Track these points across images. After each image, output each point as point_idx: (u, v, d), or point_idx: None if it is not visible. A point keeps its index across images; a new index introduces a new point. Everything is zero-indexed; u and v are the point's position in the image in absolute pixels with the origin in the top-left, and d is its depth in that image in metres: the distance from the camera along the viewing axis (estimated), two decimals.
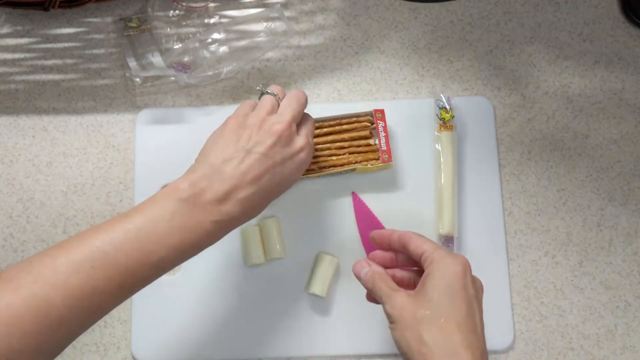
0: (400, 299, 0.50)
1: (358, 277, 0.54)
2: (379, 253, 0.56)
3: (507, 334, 0.64)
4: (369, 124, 0.66)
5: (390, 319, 0.50)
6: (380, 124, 0.65)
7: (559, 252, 0.66)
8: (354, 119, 0.66)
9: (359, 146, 0.65)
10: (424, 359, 0.47)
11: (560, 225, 0.67)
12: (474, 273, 0.51)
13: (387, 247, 0.56)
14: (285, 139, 0.54)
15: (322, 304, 0.64)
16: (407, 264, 0.56)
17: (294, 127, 0.55)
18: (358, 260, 0.55)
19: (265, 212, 0.66)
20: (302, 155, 0.55)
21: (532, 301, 0.65)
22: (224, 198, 0.51)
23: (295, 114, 0.56)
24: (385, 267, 0.55)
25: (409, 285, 0.54)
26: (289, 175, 0.54)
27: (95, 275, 0.46)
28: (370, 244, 0.66)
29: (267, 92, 0.57)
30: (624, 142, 0.69)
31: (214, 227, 0.51)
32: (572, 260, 0.66)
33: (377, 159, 0.65)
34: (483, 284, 0.52)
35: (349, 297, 0.64)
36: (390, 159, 0.64)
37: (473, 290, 0.50)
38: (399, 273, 0.55)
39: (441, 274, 0.50)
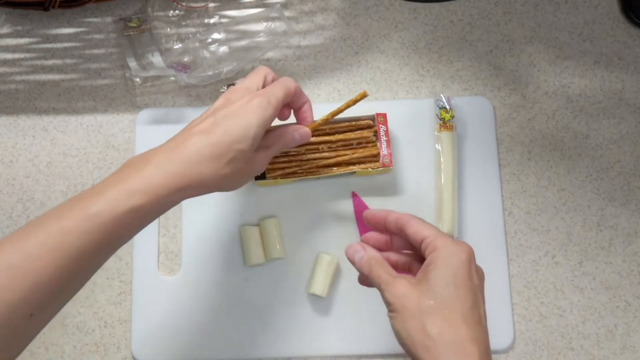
0: (402, 288, 0.47)
1: (352, 262, 0.52)
2: (373, 235, 0.54)
3: (507, 334, 0.64)
4: (371, 123, 0.66)
5: (390, 308, 0.48)
6: (382, 128, 0.65)
7: (559, 252, 0.66)
8: (354, 122, 0.66)
9: (360, 148, 0.65)
10: (427, 352, 0.45)
11: (560, 225, 0.67)
12: None
13: (382, 229, 0.53)
14: (239, 92, 0.52)
15: (322, 304, 0.64)
16: (402, 248, 0.53)
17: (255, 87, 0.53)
18: (351, 244, 0.52)
19: (265, 212, 0.67)
20: (256, 101, 0.51)
21: (532, 301, 0.65)
22: (171, 153, 0.49)
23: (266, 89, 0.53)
24: (379, 250, 0.52)
25: (404, 269, 0.52)
26: (243, 113, 0.50)
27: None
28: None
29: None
30: (624, 142, 0.69)
31: (156, 174, 0.47)
32: (572, 260, 0.66)
33: (378, 162, 0.65)
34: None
35: (349, 297, 0.64)
36: (390, 163, 0.64)
37: (477, 280, 0.48)
38: (394, 256, 0.53)
39: (445, 262, 0.47)
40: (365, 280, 0.52)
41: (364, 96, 0.57)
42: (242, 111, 0.50)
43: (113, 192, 0.46)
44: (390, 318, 0.48)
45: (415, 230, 0.50)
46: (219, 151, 0.49)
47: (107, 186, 0.46)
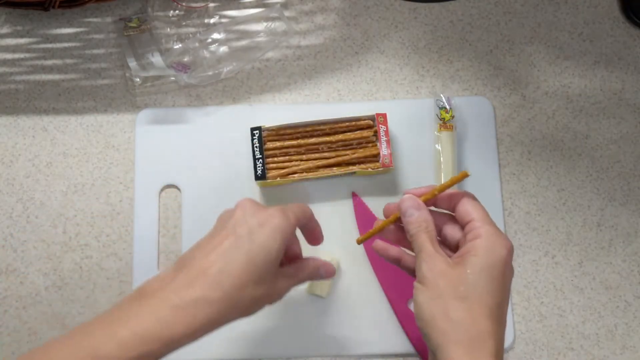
0: (441, 265, 0.46)
1: (402, 214, 0.49)
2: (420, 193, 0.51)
3: (507, 334, 0.63)
4: (371, 123, 0.66)
5: (421, 280, 0.46)
6: (382, 128, 0.65)
7: (559, 252, 0.66)
8: (354, 122, 0.66)
9: (360, 148, 0.65)
10: (443, 335, 0.44)
11: (560, 225, 0.67)
12: None
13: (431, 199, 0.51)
14: (249, 208, 0.49)
15: (322, 304, 0.64)
16: (442, 223, 0.51)
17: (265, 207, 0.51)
18: (410, 195, 0.50)
19: None
20: (273, 220, 0.48)
21: (532, 301, 0.65)
22: (185, 281, 0.45)
23: (285, 209, 0.50)
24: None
25: (450, 246, 0.50)
26: (261, 243, 0.47)
27: None
28: (370, 244, 0.66)
29: None
30: (624, 142, 0.69)
31: (173, 314, 0.43)
32: (572, 260, 0.66)
33: (378, 162, 0.65)
34: None
35: (349, 297, 0.64)
36: (390, 163, 0.64)
37: (509, 279, 0.47)
38: (450, 230, 0.50)
39: (485, 253, 0.46)
40: (386, 249, 0.52)
41: (465, 176, 0.51)
42: (264, 233, 0.47)
43: (124, 333, 0.42)
44: (416, 289, 0.47)
45: (464, 210, 0.49)
46: (242, 281, 0.46)
47: (120, 321, 0.43)
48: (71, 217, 0.67)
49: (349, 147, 0.66)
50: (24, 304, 0.65)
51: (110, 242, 0.67)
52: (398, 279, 0.64)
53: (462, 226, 0.49)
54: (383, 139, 0.65)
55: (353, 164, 0.65)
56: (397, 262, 0.53)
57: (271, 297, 0.50)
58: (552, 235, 0.67)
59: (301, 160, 0.65)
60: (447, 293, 0.45)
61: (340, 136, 0.65)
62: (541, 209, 0.67)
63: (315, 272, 0.54)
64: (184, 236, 0.66)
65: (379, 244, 0.53)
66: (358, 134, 0.65)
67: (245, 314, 0.48)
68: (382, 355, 0.64)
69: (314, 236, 0.57)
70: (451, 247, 0.51)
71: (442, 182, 0.66)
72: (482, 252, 0.46)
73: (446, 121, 0.67)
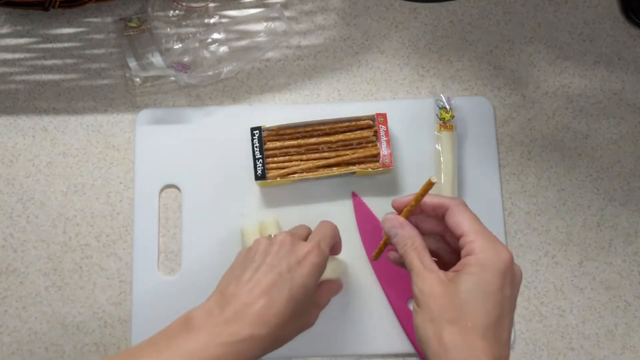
0: (430, 285, 0.45)
1: (388, 236, 0.50)
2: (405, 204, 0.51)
3: None
4: (371, 123, 0.66)
5: (415, 301, 0.46)
6: (382, 128, 0.65)
7: (559, 252, 0.66)
8: (354, 122, 0.66)
9: (360, 148, 0.65)
10: (437, 358, 0.43)
11: (560, 225, 0.67)
12: None
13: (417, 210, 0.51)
14: (288, 245, 0.52)
15: None
16: (432, 229, 0.51)
17: (299, 237, 0.54)
18: (390, 217, 0.49)
19: (266, 212, 0.67)
20: (311, 258, 0.51)
21: (532, 301, 0.65)
22: (232, 317, 0.48)
23: (311, 234, 0.55)
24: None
25: (444, 259, 0.50)
26: (301, 282, 0.50)
27: None
28: (370, 244, 0.66)
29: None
30: (624, 142, 0.69)
31: (223, 350, 0.47)
32: (572, 260, 0.66)
33: (378, 162, 0.65)
34: None
35: (349, 297, 0.64)
36: (390, 163, 0.64)
37: (509, 291, 0.45)
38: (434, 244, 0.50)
39: (480, 270, 0.44)
40: (397, 258, 0.51)
41: (430, 184, 0.49)
42: (308, 279, 0.51)
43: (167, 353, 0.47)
44: (413, 312, 0.46)
45: (456, 222, 0.47)
46: (279, 318, 0.49)
47: (169, 351, 0.47)
48: (71, 217, 0.67)
49: (349, 147, 0.66)
50: (24, 304, 0.65)
51: (110, 242, 0.67)
52: (398, 279, 0.64)
53: (455, 238, 0.48)
54: (383, 139, 0.65)
55: (353, 164, 0.65)
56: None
57: (305, 326, 0.54)
58: (552, 235, 0.67)
59: (301, 160, 0.65)
60: (439, 316, 0.44)
61: (340, 136, 0.65)
62: (541, 209, 0.67)
63: (336, 292, 0.60)
64: (184, 236, 0.66)
65: (392, 255, 0.54)
66: (358, 134, 0.65)
67: (281, 345, 0.52)
68: (382, 355, 0.64)
69: (334, 250, 0.59)
70: (445, 260, 0.50)
71: (442, 183, 0.66)
72: (475, 270, 0.45)
73: (446, 121, 0.67)
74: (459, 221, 0.47)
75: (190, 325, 0.49)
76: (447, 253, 0.52)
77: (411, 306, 0.64)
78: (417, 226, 0.51)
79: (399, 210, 0.51)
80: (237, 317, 0.48)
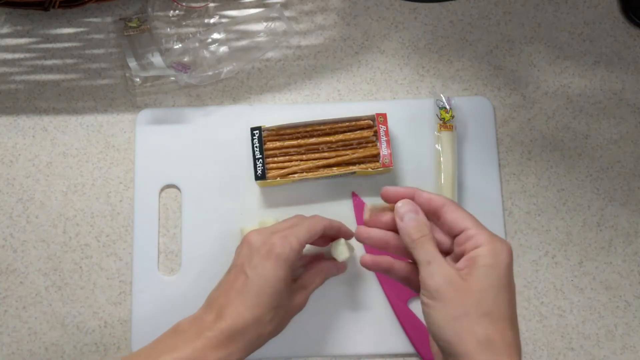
0: (454, 277, 0.44)
1: (400, 218, 0.47)
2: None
3: None
4: (371, 123, 0.66)
5: (435, 295, 0.44)
6: (382, 128, 0.65)
7: (559, 252, 0.66)
8: (354, 122, 0.66)
9: (360, 148, 0.65)
10: (471, 355, 0.42)
11: (560, 225, 0.67)
12: None
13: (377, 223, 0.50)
14: (255, 242, 0.55)
15: (322, 304, 0.64)
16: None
17: (270, 231, 0.56)
18: (407, 201, 0.48)
19: (266, 212, 0.67)
20: (275, 249, 0.53)
21: (532, 301, 0.65)
22: (213, 322, 0.52)
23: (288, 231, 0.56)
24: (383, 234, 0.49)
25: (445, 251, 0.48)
26: (266, 276, 0.52)
27: None
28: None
29: None
30: (624, 142, 0.69)
31: (206, 344, 0.51)
32: (572, 260, 0.66)
33: (378, 162, 0.65)
34: None
35: (349, 297, 0.64)
36: (390, 163, 0.64)
37: (512, 282, 0.45)
38: (439, 235, 0.48)
39: (493, 261, 0.44)
40: (375, 262, 0.50)
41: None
42: (266, 268, 0.53)
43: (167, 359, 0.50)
44: (429, 306, 0.44)
45: (455, 218, 0.46)
46: (256, 316, 0.52)
47: (161, 352, 0.51)
48: (71, 217, 0.67)
49: (349, 147, 0.66)
50: (24, 304, 0.65)
51: (110, 242, 0.67)
52: None
53: (452, 235, 0.47)
54: (383, 139, 0.65)
55: (353, 164, 0.65)
56: (387, 272, 0.51)
57: (292, 311, 0.56)
58: (552, 235, 0.67)
59: (301, 160, 0.65)
60: (472, 310, 0.42)
61: (340, 136, 0.65)
62: (541, 209, 0.67)
63: (329, 273, 0.60)
64: (184, 236, 0.66)
65: (366, 260, 0.51)
66: (358, 134, 0.65)
67: (273, 334, 0.54)
68: (382, 355, 0.64)
69: (344, 235, 0.60)
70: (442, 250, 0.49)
71: (442, 183, 0.66)
72: (490, 262, 0.44)
73: (446, 121, 0.67)
74: (459, 217, 0.46)
75: (179, 330, 0.53)
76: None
77: (412, 307, 0.64)
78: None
79: (392, 200, 0.49)
80: (218, 316, 0.52)
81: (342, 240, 0.60)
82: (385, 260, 0.50)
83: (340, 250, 0.60)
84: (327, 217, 0.59)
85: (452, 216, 0.47)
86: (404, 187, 0.50)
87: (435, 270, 0.44)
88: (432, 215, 0.48)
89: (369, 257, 0.51)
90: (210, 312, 0.53)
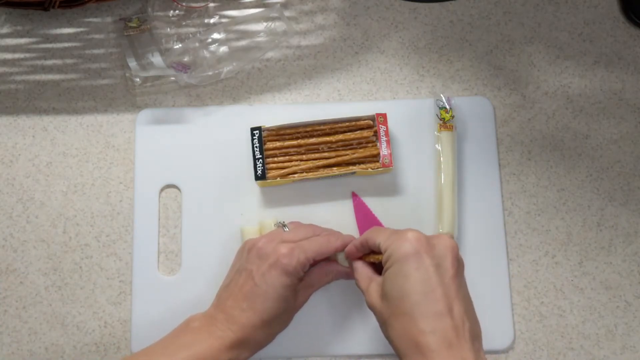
0: (371, 297, 0.50)
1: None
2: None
3: (507, 334, 0.64)
4: (371, 123, 0.66)
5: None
6: (382, 128, 0.65)
7: (559, 252, 0.66)
8: (354, 122, 0.66)
9: (360, 148, 0.65)
10: (398, 355, 0.46)
11: (560, 225, 0.67)
12: (472, 273, 0.49)
13: (361, 256, 0.57)
14: (264, 248, 0.56)
15: (322, 304, 0.64)
16: None
17: (279, 241, 0.57)
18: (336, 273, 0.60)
19: (266, 212, 0.67)
20: (284, 262, 0.55)
21: (532, 301, 0.65)
22: (226, 319, 0.55)
23: (292, 236, 0.58)
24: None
25: None
26: (272, 284, 0.54)
27: None
28: None
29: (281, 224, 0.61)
30: (624, 142, 0.69)
31: (219, 343, 0.54)
32: (572, 260, 0.66)
33: (378, 162, 0.65)
34: (482, 282, 0.50)
35: (349, 297, 0.64)
36: (390, 163, 0.64)
37: (430, 264, 0.46)
38: None
39: (392, 260, 0.48)
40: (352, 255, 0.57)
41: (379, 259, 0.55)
42: (273, 277, 0.55)
43: (183, 355, 0.52)
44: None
45: (372, 242, 0.52)
46: (265, 321, 0.55)
47: (179, 348, 0.53)
48: (71, 217, 0.67)
49: (349, 147, 0.66)
50: (24, 304, 0.65)
51: (110, 242, 0.67)
52: None
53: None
54: (383, 139, 0.65)
55: (353, 164, 0.65)
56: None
57: (296, 309, 0.59)
58: (552, 235, 0.67)
59: (301, 160, 0.65)
60: (383, 318, 0.48)
61: (340, 136, 0.65)
62: (541, 209, 0.67)
63: (338, 276, 0.61)
64: (184, 236, 0.66)
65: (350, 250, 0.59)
66: (358, 134, 0.65)
67: (276, 332, 0.57)
68: (382, 355, 0.64)
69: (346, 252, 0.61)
70: None
71: (442, 183, 0.66)
72: (389, 264, 0.48)
73: (446, 121, 0.67)
74: (373, 238, 0.52)
75: (192, 328, 0.56)
76: None
77: None
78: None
79: (353, 258, 0.57)
80: (228, 318, 0.55)
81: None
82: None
83: (342, 256, 0.61)
84: (342, 235, 0.60)
85: (370, 242, 0.52)
86: (348, 247, 0.58)
87: (365, 296, 0.52)
88: (370, 250, 0.55)
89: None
90: (220, 312, 0.56)
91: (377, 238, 0.51)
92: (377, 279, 0.52)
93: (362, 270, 0.55)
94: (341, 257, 0.61)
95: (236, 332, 0.54)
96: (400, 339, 0.45)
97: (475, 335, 0.46)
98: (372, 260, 0.56)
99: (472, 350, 0.44)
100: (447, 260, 0.47)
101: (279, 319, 0.56)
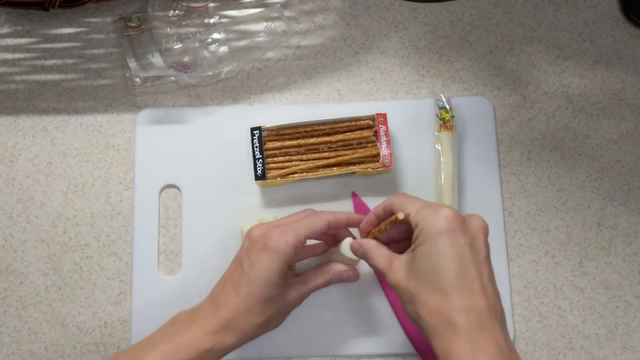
0: (396, 274, 0.48)
1: (365, 260, 0.55)
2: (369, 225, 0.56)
3: None
4: (371, 123, 0.66)
5: (396, 293, 0.49)
6: (382, 128, 0.65)
7: (559, 252, 0.66)
8: (354, 122, 0.66)
9: (360, 148, 0.65)
10: (426, 333, 0.45)
11: (560, 225, 0.67)
12: None
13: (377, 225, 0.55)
14: (256, 236, 0.56)
15: (322, 304, 0.64)
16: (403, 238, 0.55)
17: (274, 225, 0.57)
18: (347, 242, 0.57)
19: (265, 212, 0.67)
20: (271, 244, 0.54)
21: (532, 301, 0.65)
22: (213, 309, 0.54)
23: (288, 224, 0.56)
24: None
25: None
26: (259, 271, 0.53)
27: None
28: None
29: None
30: (624, 142, 0.69)
31: (204, 336, 0.53)
32: (572, 260, 0.66)
33: (378, 162, 0.65)
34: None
35: (349, 297, 0.64)
36: (390, 163, 0.64)
37: (465, 243, 0.45)
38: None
39: (425, 237, 0.46)
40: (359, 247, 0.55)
41: (397, 219, 0.51)
42: (260, 261, 0.53)
43: (169, 346, 0.52)
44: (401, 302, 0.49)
45: (400, 209, 0.50)
46: (248, 306, 0.53)
47: (165, 340, 0.53)
48: (71, 217, 0.67)
49: (349, 147, 0.66)
50: (24, 304, 0.65)
51: (110, 242, 0.67)
52: None
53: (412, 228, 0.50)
54: (383, 139, 0.65)
55: (353, 164, 0.65)
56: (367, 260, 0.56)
57: (286, 306, 0.56)
58: (552, 235, 0.67)
59: (301, 160, 0.65)
60: (411, 294, 0.46)
61: (340, 136, 0.65)
62: (541, 209, 0.67)
63: (336, 276, 0.59)
64: (184, 236, 0.66)
65: (354, 244, 0.58)
66: (358, 134, 0.65)
67: (267, 326, 0.55)
68: (382, 355, 0.64)
69: (352, 225, 0.59)
70: None
71: (442, 183, 0.66)
72: (422, 239, 0.46)
73: (446, 121, 0.67)
74: (401, 207, 0.50)
75: (178, 321, 0.55)
76: None
77: None
78: (389, 238, 0.55)
79: (365, 235, 0.56)
80: (214, 309, 0.54)
81: (349, 239, 0.59)
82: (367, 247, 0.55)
83: (344, 247, 0.59)
84: (334, 212, 0.58)
85: (396, 211, 0.50)
86: (359, 216, 0.58)
87: (387, 275, 0.50)
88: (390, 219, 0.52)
89: (356, 242, 0.57)
90: (208, 303, 0.55)
91: (407, 208, 0.49)
92: (400, 257, 0.49)
93: (379, 250, 0.52)
94: (345, 247, 0.59)
95: (219, 318, 0.53)
96: (430, 316, 0.44)
97: (504, 321, 0.46)
98: (383, 227, 0.54)
99: (503, 333, 0.44)
100: (480, 241, 0.47)
101: (264, 307, 0.53)
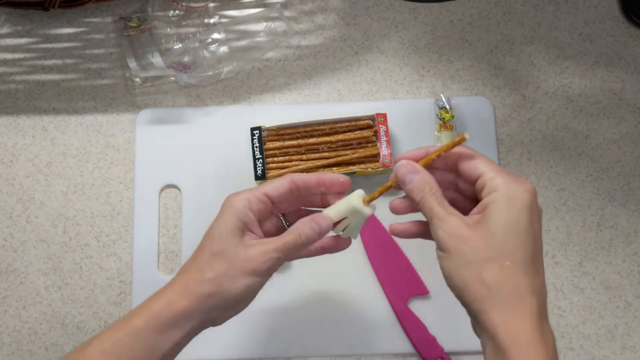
0: (458, 228, 0.43)
1: (401, 182, 0.46)
2: (419, 156, 0.47)
3: None
4: (371, 123, 0.66)
5: (442, 247, 0.44)
6: (382, 128, 0.65)
7: (559, 252, 0.66)
8: (354, 122, 0.66)
9: (360, 148, 0.65)
10: (481, 301, 0.42)
11: (560, 225, 0.67)
12: None
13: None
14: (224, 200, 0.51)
15: (322, 304, 0.64)
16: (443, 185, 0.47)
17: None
18: (403, 162, 0.46)
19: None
20: (226, 201, 0.50)
21: None
22: (180, 274, 0.49)
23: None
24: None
25: (461, 208, 0.46)
26: (216, 222, 0.49)
27: None
28: (371, 245, 0.66)
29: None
30: (624, 142, 0.69)
31: (175, 293, 0.48)
32: (572, 260, 0.66)
33: (378, 162, 0.65)
34: None
35: (349, 297, 0.64)
36: (390, 163, 0.64)
37: (538, 225, 0.44)
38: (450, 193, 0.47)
39: (507, 205, 0.43)
40: (402, 230, 0.48)
41: (463, 139, 0.46)
42: (216, 218, 0.50)
43: (145, 314, 0.48)
44: (440, 258, 0.44)
45: (468, 167, 0.45)
46: (194, 259, 0.49)
47: (140, 308, 0.48)
48: (71, 217, 0.67)
49: (349, 147, 0.66)
50: (24, 304, 0.65)
51: (110, 242, 0.67)
52: (397, 278, 0.64)
53: (471, 183, 0.46)
54: (383, 139, 0.65)
55: (353, 164, 0.65)
56: (422, 236, 0.49)
57: (241, 266, 0.48)
58: (552, 235, 0.67)
59: (301, 160, 0.65)
60: (475, 257, 0.42)
61: (340, 136, 0.65)
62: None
63: (304, 234, 0.49)
64: (184, 236, 0.66)
65: (395, 228, 0.50)
66: (358, 134, 0.65)
67: (223, 288, 0.48)
68: (382, 355, 0.64)
69: (327, 185, 0.51)
70: (462, 208, 0.47)
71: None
72: (502, 206, 0.43)
73: (446, 121, 0.67)
74: (475, 163, 0.45)
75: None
76: (461, 201, 0.49)
77: (411, 307, 0.64)
78: None
79: (414, 161, 0.47)
80: (182, 274, 0.49)
81: (360, 191, 0.49)
82: (416, 226, 0.49)
83: (354, 198, 0.49)
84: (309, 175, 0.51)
85: (467, 166, 0.46)
86: (416, 150, 0.48)
87: (438, 225, 0.44)
88: (451, 169, 0.47)
89: (398, 227, 0.50)
90: (192, 261, 0.51)
91: (481, 167, 0.45)
92: (445, 216, 0.44)
93: (438, 197, 0.45)
94: (356, 198, 0.49)
95: (186, 273, 0.48)
96: (493, 281, 0.42)
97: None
98: (442, 151, 0.46)
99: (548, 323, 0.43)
100: (541, 224, 0.45)
101: (212, 261, 0.48)
